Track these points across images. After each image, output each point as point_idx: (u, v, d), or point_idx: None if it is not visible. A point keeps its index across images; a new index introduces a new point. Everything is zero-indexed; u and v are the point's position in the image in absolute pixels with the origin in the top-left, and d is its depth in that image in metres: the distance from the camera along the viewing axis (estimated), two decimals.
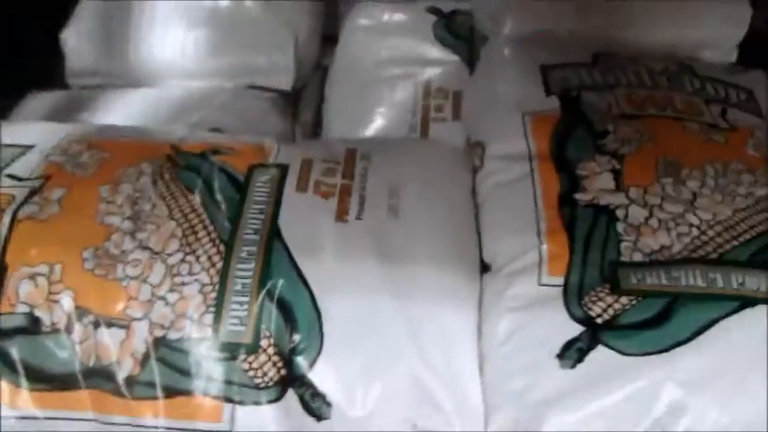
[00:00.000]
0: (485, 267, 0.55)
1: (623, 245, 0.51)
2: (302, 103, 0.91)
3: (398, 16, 0.85)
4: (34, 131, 0.64)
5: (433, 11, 0.86)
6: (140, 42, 0.87)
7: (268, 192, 0.54)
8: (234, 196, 0.54)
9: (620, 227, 0.51)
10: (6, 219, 0.52)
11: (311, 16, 0.91)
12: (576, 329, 0.48)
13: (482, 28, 0.77)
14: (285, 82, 0.90)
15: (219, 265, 0.50)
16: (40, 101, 0.90)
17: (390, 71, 0.84)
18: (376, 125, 0.81)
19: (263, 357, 0.47)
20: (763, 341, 0.46)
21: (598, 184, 0.54)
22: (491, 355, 0.49)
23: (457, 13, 0.85)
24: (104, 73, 0.92)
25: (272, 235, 0.51)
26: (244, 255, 0.50)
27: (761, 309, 0.47)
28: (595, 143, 0.57)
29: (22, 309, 0.49)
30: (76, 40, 0.91)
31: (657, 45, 0.71)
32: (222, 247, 0.51)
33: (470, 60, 0.81)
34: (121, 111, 0.86)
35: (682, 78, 0.65)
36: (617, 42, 0.70)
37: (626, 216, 0.52)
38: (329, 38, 0.91)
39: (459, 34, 0.84)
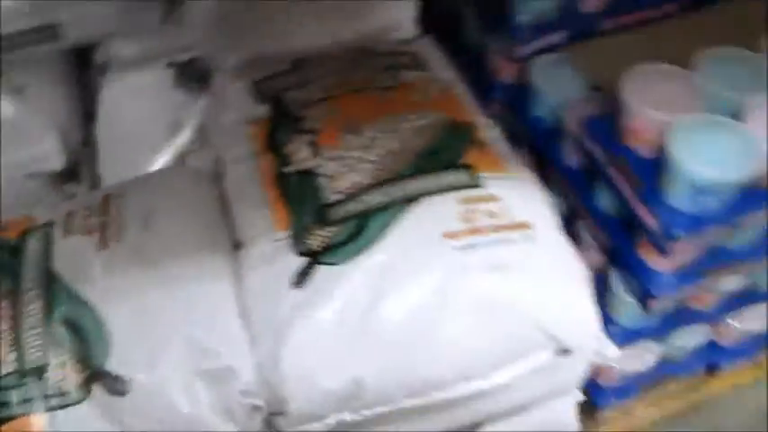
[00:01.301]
0: (241, 245, 0.68)
1: (325, 191, 0.65)
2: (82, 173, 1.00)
3: (142, 78, 0.97)
4: None
5: (171, 65, 0.98)
6: None
7: (40, 245, 0.65)
8: (11, 260, 0.64)
9: (320, 180, 0.66)
10: None
11: (65, 99, 1.01)
12: (302, 261, 0.62)
13: (213, 66, 0.91)
14: (58, 163, 0.98)
15: (11, 313, 0.60)
16: None
17: (147, 127, 0.96)
18: None
19: (65, 369, 0.57)
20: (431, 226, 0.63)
21: (299, 156, 0.69)
22: (248, 307, 0.62)
23: (193, 61, 0.98)
24: None
25: (49, 275, 0.62)
26: (30, 297, 0.61)
27: (422, 202, 0.64)
28: (296, 127, 0.72)
29: None
30: None
31: (349, 40, 0.88)
32: (11, 300, 0.61)
33: None
34: None
35: (365, 59, 0.82)
36: (315, 48, 0.86)
37: (323, 170, 0.67)
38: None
39: (199, 77, 0.97)
